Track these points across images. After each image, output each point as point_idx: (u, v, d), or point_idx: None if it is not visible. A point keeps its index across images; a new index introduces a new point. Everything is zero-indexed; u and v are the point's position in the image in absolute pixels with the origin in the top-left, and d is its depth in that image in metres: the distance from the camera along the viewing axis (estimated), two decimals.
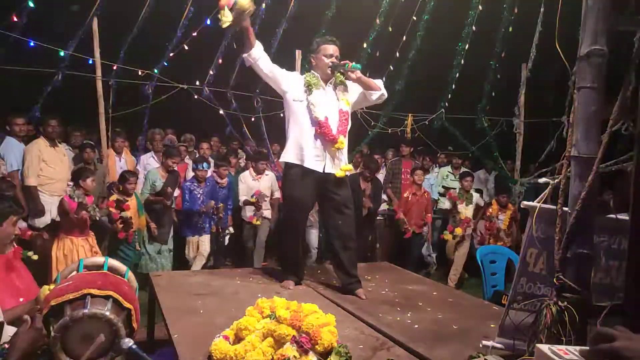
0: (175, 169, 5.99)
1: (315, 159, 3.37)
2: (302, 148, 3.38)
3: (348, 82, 3.52)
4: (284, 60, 6.87)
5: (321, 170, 3.38)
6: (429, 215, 6.83)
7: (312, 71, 3.52)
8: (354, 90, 3.56)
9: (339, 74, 3.44)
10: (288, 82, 3.47)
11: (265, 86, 6.84)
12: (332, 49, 3.46)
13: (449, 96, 7.47)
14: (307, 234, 6.32)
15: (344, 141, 3.41)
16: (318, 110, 3.35)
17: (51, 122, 5.35)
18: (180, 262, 6.08)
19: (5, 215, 2.25)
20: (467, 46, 6.96)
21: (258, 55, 3.38)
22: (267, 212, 6.46)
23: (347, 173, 3.48)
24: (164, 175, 5.85)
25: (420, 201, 6.70)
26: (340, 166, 3.42)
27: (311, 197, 3.51)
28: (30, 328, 1.79)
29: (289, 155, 3.45)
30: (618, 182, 2.10)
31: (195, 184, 6.00)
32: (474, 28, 6.85)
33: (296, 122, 3.43)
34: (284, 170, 3.62)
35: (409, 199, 6.67)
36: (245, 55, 3.39)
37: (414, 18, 7.04)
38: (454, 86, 7.32)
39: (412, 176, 6.78)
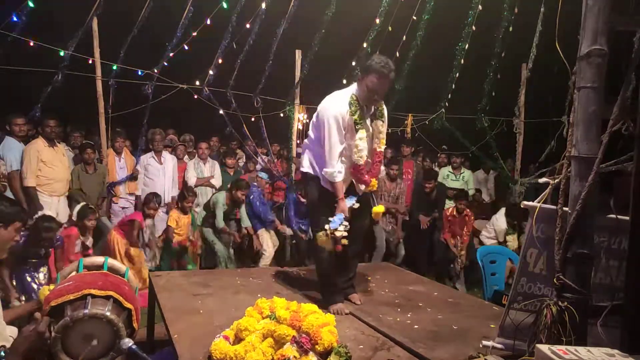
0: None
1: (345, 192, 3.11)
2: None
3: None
4: (284, 60, 6.90)
5: (350, 205, 3.11)
6: (466, 235, 6.34)
7: (355, 95, 3.03)
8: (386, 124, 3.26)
9: (380, 107, 3.15)
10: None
11: (265, 86, 6.90)
12: (381, 84, 2.97)
13: (449, 96, 7.46)
14: None
15: (375, 183, 3.24)
16: (362, 156, 3.05)
17: (50, 122, 5.34)
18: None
19: (12, 219, 2.24)
20: (467, 46, 6.95)
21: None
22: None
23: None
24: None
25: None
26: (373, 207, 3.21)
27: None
28: (33, 330, 1.78)
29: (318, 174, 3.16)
30: (618, 182, 2.09)
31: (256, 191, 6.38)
32: (474, 28, 6.84)
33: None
34: (308, 180, 3.26)
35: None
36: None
37: (414, 18, 7.03)
38: (454, 86, 7.31)
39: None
